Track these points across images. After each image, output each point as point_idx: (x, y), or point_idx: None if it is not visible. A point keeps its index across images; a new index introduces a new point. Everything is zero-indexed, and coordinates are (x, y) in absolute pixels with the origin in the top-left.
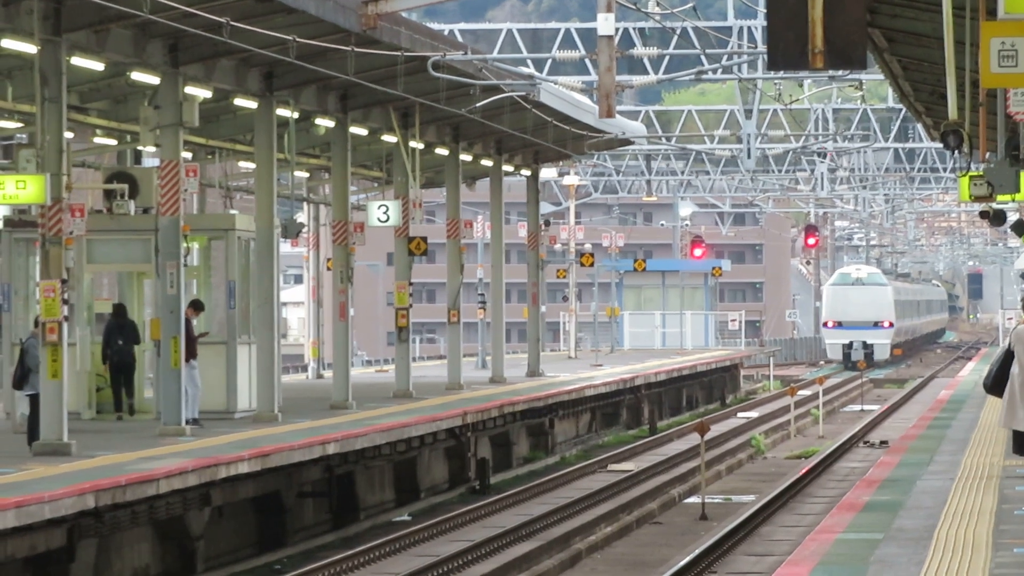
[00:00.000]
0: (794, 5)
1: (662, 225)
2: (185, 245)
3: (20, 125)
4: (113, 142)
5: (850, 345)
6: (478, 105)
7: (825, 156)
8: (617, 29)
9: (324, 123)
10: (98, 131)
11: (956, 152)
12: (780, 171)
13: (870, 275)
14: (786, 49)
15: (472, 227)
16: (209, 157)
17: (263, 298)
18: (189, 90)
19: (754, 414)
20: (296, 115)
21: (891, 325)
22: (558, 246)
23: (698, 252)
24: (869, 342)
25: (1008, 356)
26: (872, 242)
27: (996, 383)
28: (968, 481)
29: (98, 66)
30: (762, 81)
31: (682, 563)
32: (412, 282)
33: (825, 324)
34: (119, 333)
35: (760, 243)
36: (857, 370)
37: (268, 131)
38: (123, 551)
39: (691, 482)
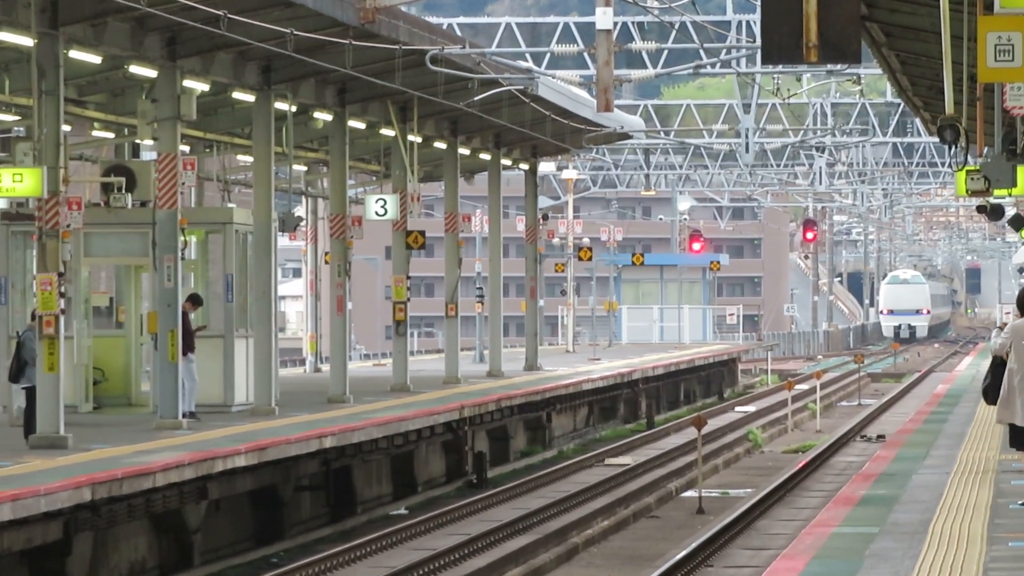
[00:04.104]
0: None
1: (660, 219)
2: (183, 239)
3: (17, 118)
4: (110, 135)
5: (899, 327)
6: (476, 99)
7: (823, 151)
8: (616, 23)
9: (322, 116)
10: (95, 124)
11: (953, 147)
12: (778, 165)
13: (913, 276)
14: (780, 43)
15: (470, 221)
16: (207, 150)
17: (261, 292)
18: (187, 83)
19: (751, 408)
20: (294, 108)
21: (928, 312)
22: (556, 240)
23: (696, 246)
24: (912, 324)
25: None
26: (870, 237)
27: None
28: (964, 475)
29: (95, 59)
30: (760, 76)
31: (679, 557)
32: (410, 276)
33: (881, 312)
34: None
35: (758, 237)
36: (903, 342)
37: (266, 124)
38: (120, 544)
39: (688, 476)
